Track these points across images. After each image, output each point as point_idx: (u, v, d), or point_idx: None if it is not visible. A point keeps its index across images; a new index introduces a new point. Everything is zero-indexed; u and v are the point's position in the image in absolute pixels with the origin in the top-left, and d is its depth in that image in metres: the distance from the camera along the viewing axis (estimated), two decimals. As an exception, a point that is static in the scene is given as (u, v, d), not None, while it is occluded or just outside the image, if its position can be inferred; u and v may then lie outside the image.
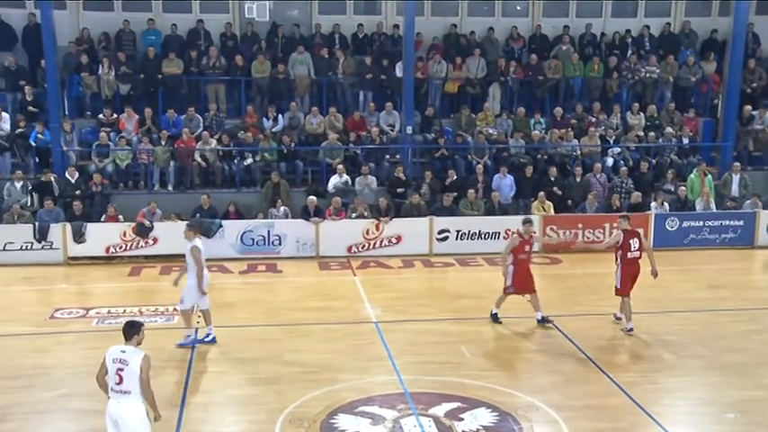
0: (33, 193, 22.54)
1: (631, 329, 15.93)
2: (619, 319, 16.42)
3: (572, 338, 15.83)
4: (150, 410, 9.56)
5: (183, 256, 18.01)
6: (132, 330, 9.74)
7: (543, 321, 16.49)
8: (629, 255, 15.82)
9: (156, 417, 9.68)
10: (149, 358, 9.60)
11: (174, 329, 16.44)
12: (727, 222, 23.71)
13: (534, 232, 17.20)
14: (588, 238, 23.09)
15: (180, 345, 15.33)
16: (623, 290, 15.91)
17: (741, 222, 23.71)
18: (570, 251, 22.40)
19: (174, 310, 17.51)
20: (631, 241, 15.90)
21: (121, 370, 9.55)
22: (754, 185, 24.79)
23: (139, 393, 9.41)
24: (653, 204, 23.69)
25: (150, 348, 14.81)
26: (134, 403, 9.43)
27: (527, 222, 16.73)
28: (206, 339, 15.56)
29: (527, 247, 16.55)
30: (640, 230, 16.80)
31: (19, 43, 26.08)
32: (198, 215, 21.93)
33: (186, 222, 17.64)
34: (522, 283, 16.39)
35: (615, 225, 16.40)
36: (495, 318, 16.74)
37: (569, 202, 23.77)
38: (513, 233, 17.46)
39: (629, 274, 15.85)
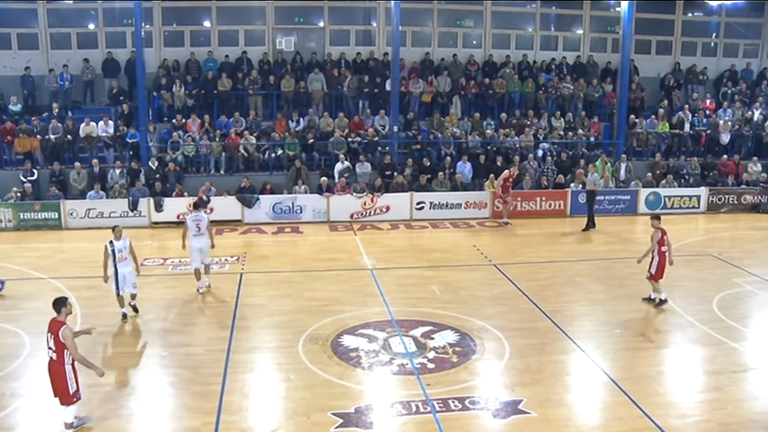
0: (128, 177, 22.63)
1: (665, 300, 14.10)
2: (653, 299, 14.22)
3: (513, 280, 15.87)
4: None
5: (231, 221, 18.00)
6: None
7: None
8: (663, 248, 14.06)
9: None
10: None
11: (227, 274, 16.48)
12: (619, 197, 23.78)
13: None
14: (524, 208, 23.12)
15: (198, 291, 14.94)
16: (658, 276, 14.06)
17: (628, 197, 23.81)
18: (514, 216, 22.33)
19: (226, 260, 17.60)
20: (665, 237, 14.12)
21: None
22: (635, 171, 24.90)
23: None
24: (572, 184, 23.70)
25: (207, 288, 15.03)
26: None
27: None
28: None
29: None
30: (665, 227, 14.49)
31: (122, 72, 26.09)
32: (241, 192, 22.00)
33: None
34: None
35: (652, 225, 14.14)
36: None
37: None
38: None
39: (663, 263, 14.03)
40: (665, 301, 14.14)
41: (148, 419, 9.59)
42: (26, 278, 15.99)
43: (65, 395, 9.04)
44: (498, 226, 21.83)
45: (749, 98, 28.67)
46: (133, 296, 13.41)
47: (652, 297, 14.25)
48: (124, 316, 13.19)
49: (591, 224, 21.44)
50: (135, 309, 13.45)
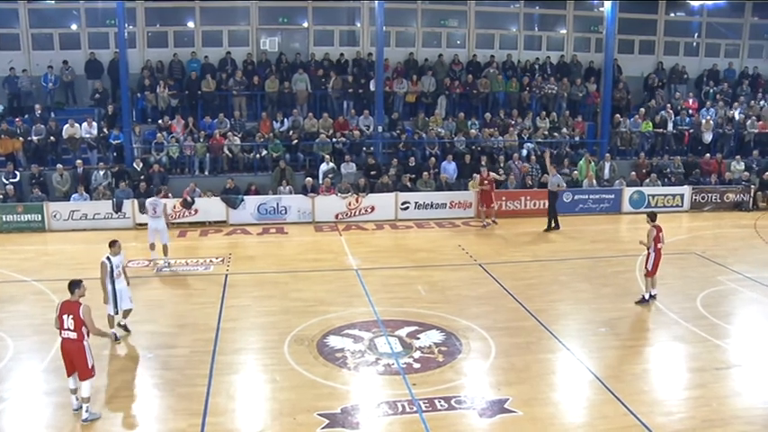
0: (114, 179, 22.50)
1: (655, 295, 14.29)
2: (647, 300, 14.21)
3: (498, 279, 15.90)
4: None
5: (216, 222, 18.00)
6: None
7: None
8: (659, 245, 14.07)
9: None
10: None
11: (212, 276, 16.42)
12: (603, 196, 23.89)
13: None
14: (509, 207, 23.17)
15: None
16: (653, 271, 14.10)
17: (612, 196, 23.93)
18: (498, 215, 22.34)
19: (210, 261, 17.55)
20: (660, 234, 14.08)
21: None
22: (619, 170, 25.03)
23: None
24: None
25: (192, 290, 15.00)
26: None
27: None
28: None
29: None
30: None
31: (105, 73, 25.90)
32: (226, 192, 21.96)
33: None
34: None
35: (648, 223, 14.15)
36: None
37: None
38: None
39: (658, 260, 14.06)
40: (654, 297, 14.28)
41: (134, 422, 9.55)
42: (9, 281, 15.85)
43: (84, 370, 9.43)
44: (483, 225, 21.85)
45: (731, 98, 28.94)
46: (127, 312, 12.66)
47: (646, 297, 14.25)
48: (116, 337, 12.18)
49: (554, 225, 21.23)
50: (126, 328, 12.60)
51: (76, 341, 9.37)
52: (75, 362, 9.42)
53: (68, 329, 9.34)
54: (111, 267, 12.17)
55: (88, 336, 9.47)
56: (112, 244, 12.42)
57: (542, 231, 21.04)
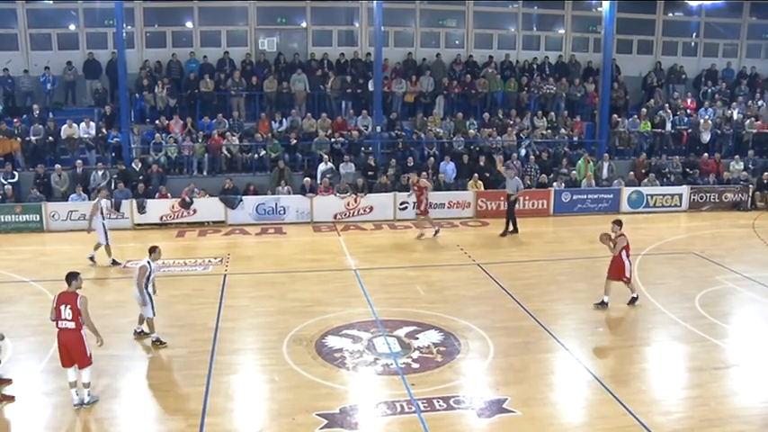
0: (115, 180, 22.42)
1: (636, 297, 14.10)
2: (635, 298, 14.06)
3: (496, 279, 15.91)
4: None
5: (214, 222, 17.98)
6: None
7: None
8: (629, 252, 13.89)
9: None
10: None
11: (210, 276, 16.42)
12: (602, 195, 23.92)
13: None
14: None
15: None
16: (630, 277, 13.98)
17: (611, 196, 23.95)
18: (497, 216, 22.30)
19: (209, 261, 17.55)
20: (628, 241, 13.82)
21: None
22: (618, 170, 25.03)
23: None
24: (554, 183, 23.84)
25: (191, 290, 15.01)
26: None
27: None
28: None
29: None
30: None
31: (103, 73, 25.91)
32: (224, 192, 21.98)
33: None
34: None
35: (615, 231, 13.78)
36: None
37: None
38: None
39: (630, 266, 13.90)
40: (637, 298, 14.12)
41: (133, 422, 9.53)
42: (7, 281, 15.84)
43: (83, 358, 9.65)
44: (481, 225, 21.87)
45: (729, 97, 28.96)
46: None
47: (634, 296, 14.18)
48: (160, 342, 12.08)
49: (512, 229, 20.60)
50: (144, 333, 12.43)
51: (74, 330, 9.55)
52: (74, 352, 9.58)
53: (66, 319, 9.53)
54: (150, 272, 12.10)
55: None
56: (153, 250, 12.29)
57: (498, 236, 20.41)
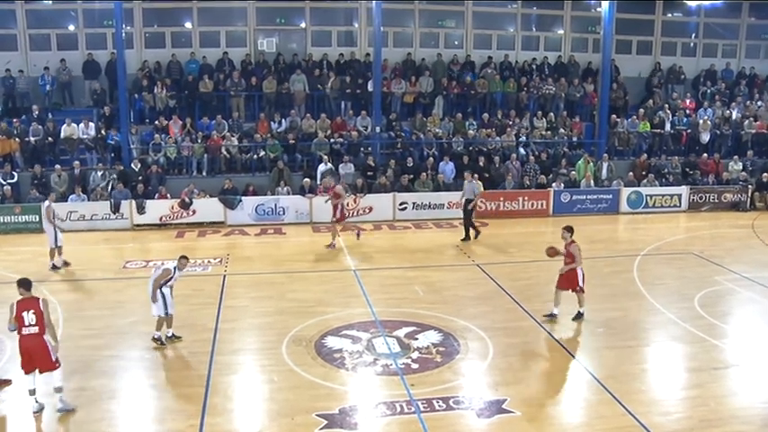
0: (110, 179, 22.47)
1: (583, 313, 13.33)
2: (581, 313, 13.28)
3: (495, 280, 15.91)
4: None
5: (214, 222, 17.97)
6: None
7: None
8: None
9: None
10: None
11: (210, 276, 16.42)
12: (601, 196, 23.94)
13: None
14: (507, 207, 23.19)
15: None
16: (584, 287, 13.26)
17: (610, 196, 23.97)
18: (496, 216, 22.31)
19: (208, 261, 17.55)
20: (579, 248, 13.23)
21: None
22: (617, 170, 25.07)
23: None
24: (554, 184, 23.86)
25: (191, 290, 14.99)
26: None
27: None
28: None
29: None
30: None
31: (102, 73, 25.92)
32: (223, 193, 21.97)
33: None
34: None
35: (565, 238, 13.37)
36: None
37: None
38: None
39: (584, 274, 13.24)
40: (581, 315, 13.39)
41: (132, 423, 9.51)
42: (6, 282, 15.78)
43: (48, 362, 9.54)
44: (480, 225, 21.82)
45: (728, 98, 28.98)
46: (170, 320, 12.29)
47: (581, 311, 13.34)
48: (161, 341, 12.05)
49: (475, 234, 20.03)
50: (175, 336, 12.30)
51: (38, 335, 9.48)
52: (38, 357, 9.51)
53: (30, 325, 9.45)
54: (172, 278, 12.03)
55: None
56: (183, 258, 12.27)
57: (460, 240, 19.84)
